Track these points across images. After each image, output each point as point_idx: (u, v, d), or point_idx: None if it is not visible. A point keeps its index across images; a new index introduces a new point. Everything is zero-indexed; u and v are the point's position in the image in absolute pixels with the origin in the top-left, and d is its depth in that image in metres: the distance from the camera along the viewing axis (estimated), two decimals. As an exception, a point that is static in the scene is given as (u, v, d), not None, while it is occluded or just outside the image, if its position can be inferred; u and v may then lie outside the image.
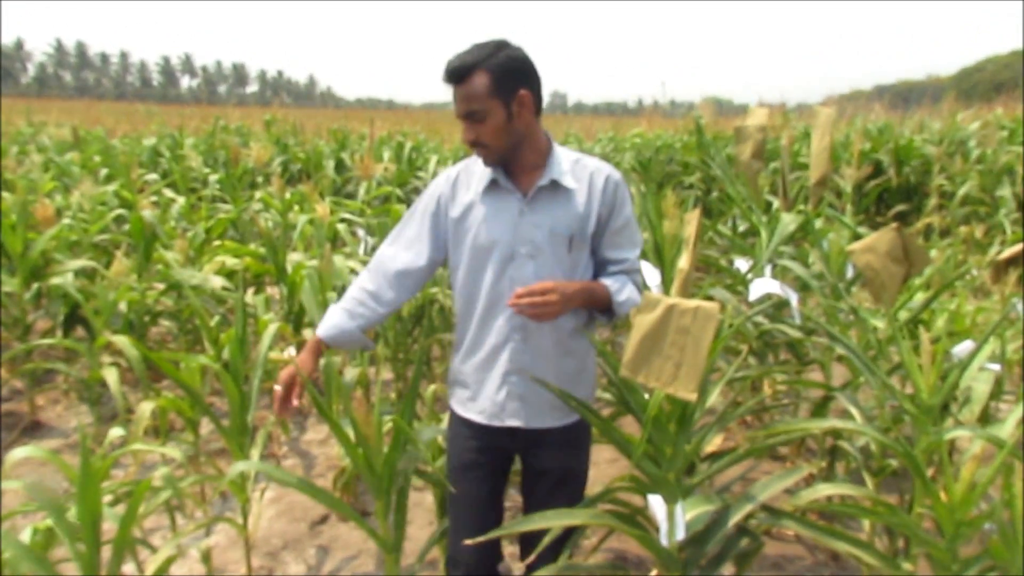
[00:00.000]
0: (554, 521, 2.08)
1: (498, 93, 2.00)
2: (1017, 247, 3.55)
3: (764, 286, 3.63)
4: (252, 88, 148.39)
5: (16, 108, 21.01)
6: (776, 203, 4.97)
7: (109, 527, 2.20)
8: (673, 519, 2.05)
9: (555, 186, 2.12)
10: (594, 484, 2.63)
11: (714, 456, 2.36)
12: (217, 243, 5.72)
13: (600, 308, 2.19)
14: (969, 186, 8.55)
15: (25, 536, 2.17)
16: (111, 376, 3.84)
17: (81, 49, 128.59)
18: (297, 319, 4.72)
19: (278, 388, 2.16)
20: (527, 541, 2.29)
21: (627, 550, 3.34)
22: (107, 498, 2.37)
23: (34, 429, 4.45)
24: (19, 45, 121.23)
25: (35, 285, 4.78)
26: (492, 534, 2.10)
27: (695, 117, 9.92)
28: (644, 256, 4.08)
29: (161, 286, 4.82)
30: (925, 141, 10.33)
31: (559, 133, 14.45)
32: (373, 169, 6.29)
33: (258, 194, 7.11)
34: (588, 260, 2.21)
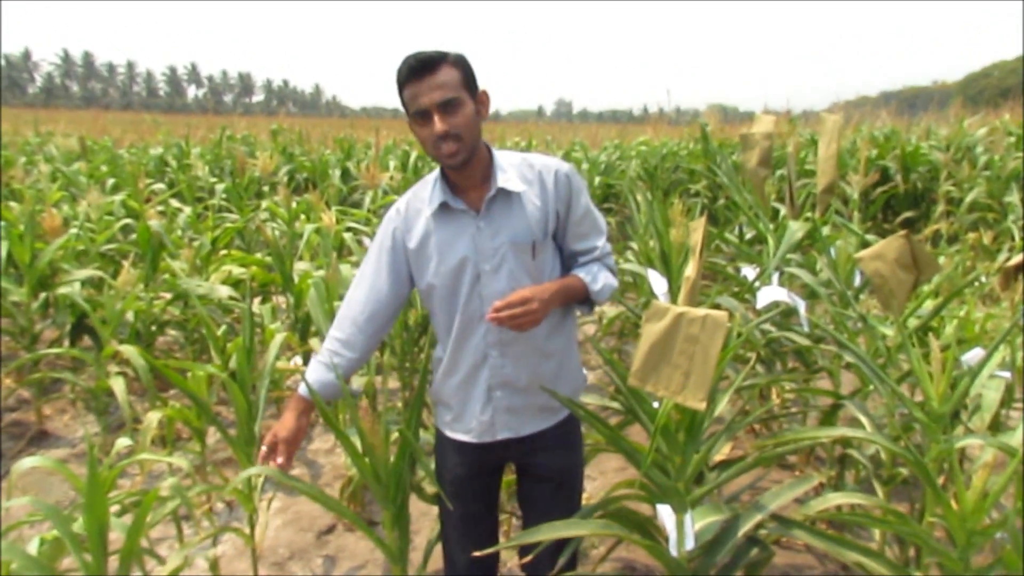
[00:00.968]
0: (562, 532, 2.07)
1: (467, 85, 2.00)
2: (1026, 254, 3.53)
3: (771, 294, 3.61)
4: (258, 97, 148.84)
5: (23, 118, 21.12)
6: (783, 210, 4.95)
7: (116, 537, 2.19)
8: (682, 529, 2.04)
9: (505, 194, 2.08)
10: (602, 493, 2.62)
11: (723, 465, 2.35)
12: (223, 252, 5.73)
13: (578, 300, 2.18)
14: (977, 192, 8.52)
15: (32, 547, 2.16)
16: (118, 386, 3.84)
17: (88, 59, 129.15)
18: (303, 328, 4.71)
19: (263, 450, 2.15)
20: (527, 546, 2.27)
21: (636, 560, 3.32)
22: (114, 508, 2.37)
23: (41, 438, 4.45)
24: (26, 55, 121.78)
25: (42, 295, 4.78)
26: (496, 548, 2.11)
27: (700, 124, 9.92)
28: (651, 264, 4.08)
29: (168, 295, 4.83)
30: (932, 147, 10.29)
31: (564, 141, 14.47)
32: (379, 178, 6.29)
33: (264, 203, 7.12)
34: (555, 259, 2.18)
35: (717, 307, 3.64)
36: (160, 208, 6.56)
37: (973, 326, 3.40)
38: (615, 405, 3.00)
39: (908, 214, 9.47)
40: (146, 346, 4.50)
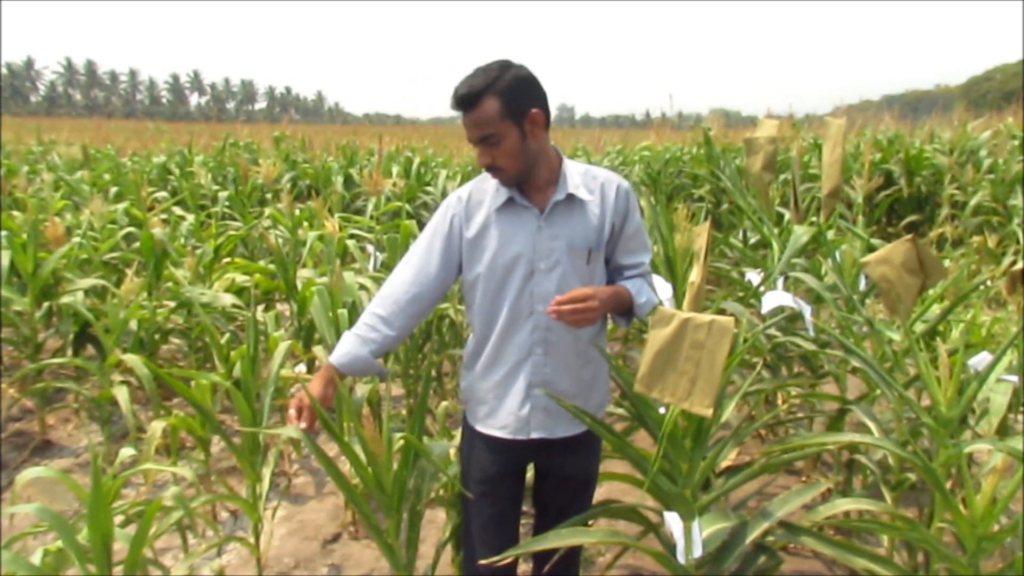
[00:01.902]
0: (569, 539, 2.06)
1: (510, 115, 2.03)
2: (1033, 257, 3.52)
3: (777, 299, 3.60)
4: (260, 105, 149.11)
5: (26, 127, 21.19)
6: (787, 215, 4.94)
7: (120, 548, 2.18)
8: (690, 536, 2.03)
9: (570, 200, 2.15)
10: (608, 497, 2.61)
11: (730, 471, 2.34)
12: (227, 260, 5.73)
13: (621, 311, 2.24)
14: (981, 196, 8.50)
15: (36, 558, 2.15)
16: (122, 395, 3.83)
17: (91, 67, 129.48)
18: (307, 336, 4.70)
19: (292, 413, 2.16)
20: (541, 555, 2.34)
21: (643, 567, 3.31)
22: (118, 518, 2.36)
23: (44, 448, 4.45)
24: (29, 64, 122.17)
25: (46, 304, 4.78)
26: (509, 553, 2.09)
27: (703, 129, 9.91)
28: (655, 270, 4.07)
29: (171, 304, 4.82)
30: (936, 151, 10.28)
31: (567, 147, 14.46)
32: (382, 185, 6.28)
33: (267, 211, 7.12)
34: (603, 270, 2.25)
35: (722, 312, 3.63)
36: (163, 216, 6.56)
37: (980, 330, 3.39)
38: (621, 411, 2.99)
39: (912, 218, 9.46)
40: (150, 355, 4.49)
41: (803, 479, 4.00)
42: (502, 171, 2.08)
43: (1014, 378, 2.77)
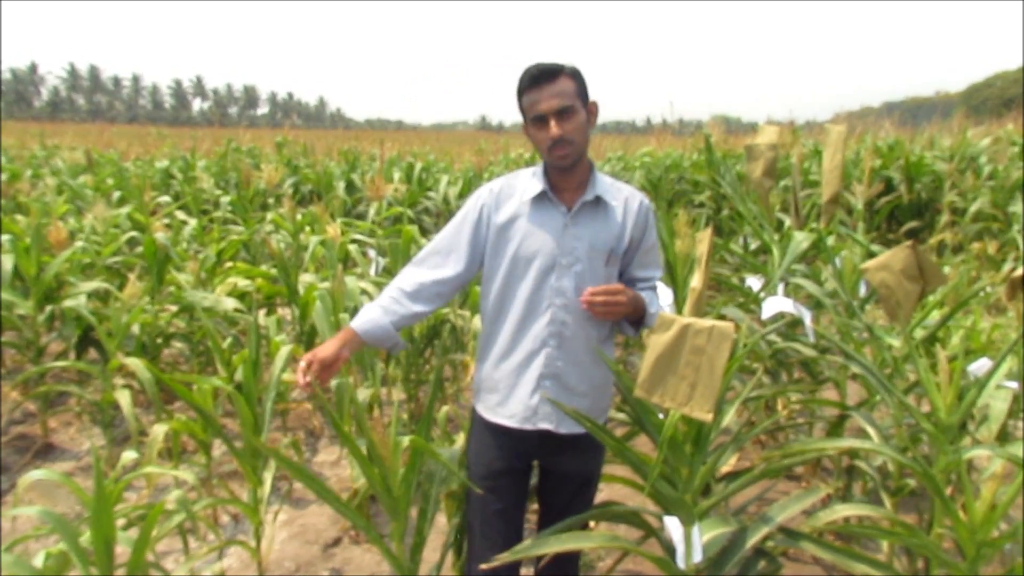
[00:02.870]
0: (570, 544, 2.07)
1: (580, 95, 2.18)
2: (1032, 263, 3.53)
3: (777, 304, 3.61)
4: (263, 110, 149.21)
5: (30, 131, 21.21)
6: (787, 221, 4.95)
7: (122, 551, 2.19)
8: (690, 541, 2.03)
9: (597, 203, 2.26)
10: (610, 500, 2.61)
11: (730, 476, 2.35)
12: (229, 265, 5.74)
13: (634, 319, 2.31)
14: (981, 202, 8.51)
15: (38, 561, 2.16)
16: (124, 398, 3.84)
17: (94, 73, 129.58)
18: (309, 340, 4.71)
19: (302, 364, 2.17)
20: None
21: (642, 572, 3.31)
22: (120, 522, 2.36)
23: (46, 451, 4.45)
24: (33, 69, 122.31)
25: (48, 308, 4.79)
26: (508, 557, 2.11)
27: (704, 135, 9.93)
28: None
29: (174, 308, 4.83)
30: (936, 158, 10.30)
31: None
32: (383, 190, 6.30)
33: (269, 215, 7.13)
34: (617, 278, 2.34)
35: (723, 318, 3.64)
36: (166, 221, 6.58)
37: (980, 336, 3.40)
38: (621, 416, 3.00)
39: (912, 224, 9.47)
40: (152, 359, 4.50)
41: (803, 485, 4.00)
42: (572, 144, 2.15)
43: (1014, 384, 2.77)
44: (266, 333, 4.33)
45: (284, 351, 3.43)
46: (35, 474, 2.50)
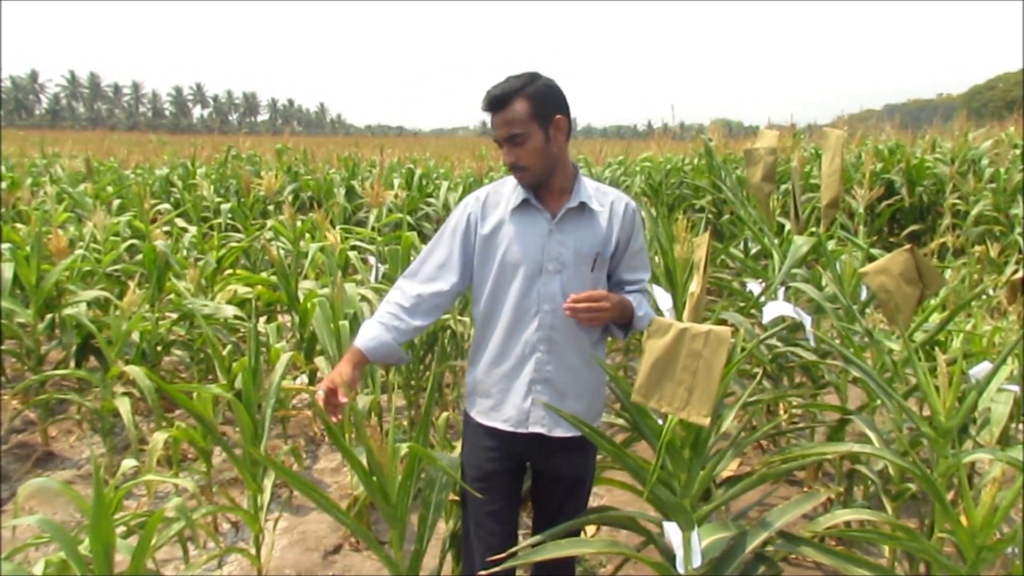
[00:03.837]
0: (570, 549, 2.06)
1: (537, 117, 2.17)
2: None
3: (777, 309, 3.61)
4: (263, 117, 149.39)
5: (30, 140, 21.22)
6: (787, 225, 4.95)
7: (122, 559, 2.18)
8: (689, 546, 2.03)
9: (582, 208, 2.27)
10: (608, 504, 2.61)
11: (730, 481, 2.34)
12: (229, 272, 5.74)
13: (622, 322, 2.32)
14: (982, 205, 8.50)
15: (38, 569, 2.16)
16: (124, 406, 3.84)
17: (94, 80, 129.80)
18: (309, 347, 4.71)
19: (320, 394, 2.18)
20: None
21: (643, 577, 3.30)
22: (120, 529, 2.36)
23: (47, 460, 4.45)
24: (33, 77, 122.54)
25: (49, 316, 4.79)
26: (507, 564, 2.11)
27: (704, 140, 9.92)
28: (656, 280, 4.08)
29: (174, 316, 4.83)
30: (937, 160, 10.28)
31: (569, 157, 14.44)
32: (384, 196, 6.30)
33: (269, 222, 7.13)
34: (604, 280, 2.35)
35: (723, 322, 3.63)
36: (166, 228, 6.57)
37: (980, 339, 3.39)
38: (620, 422, 2.99)
39: (914, 227, 9.46)
40: (152, 366, 4.50)
41: (804, 489, 4.00)
42: (525, 170, 2.19)
43: (1015, 388, 2.77)
44: (266, 340, 4.33)
45: (284, 358, 3.43)
46: (35, 482, 2.50)
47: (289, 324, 5.42)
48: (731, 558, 2.09)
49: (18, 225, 6.21)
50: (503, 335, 2.28)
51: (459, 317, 4.59)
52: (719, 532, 2.10)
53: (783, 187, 8.89)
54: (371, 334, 2.29)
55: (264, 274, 5.71)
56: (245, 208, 8.63)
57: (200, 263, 5.45)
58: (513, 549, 2.18)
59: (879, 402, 2.97)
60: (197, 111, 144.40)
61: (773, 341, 3.80)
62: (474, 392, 2.40)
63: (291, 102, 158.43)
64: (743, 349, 2.48)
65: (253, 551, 3.00)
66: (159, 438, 3.29)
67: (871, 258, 3.88)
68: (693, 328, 1.81)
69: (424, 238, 8.18)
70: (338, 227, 6.31)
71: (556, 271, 2.23)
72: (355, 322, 3.70)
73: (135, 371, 3.80)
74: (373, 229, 6.43)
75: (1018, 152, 9.66)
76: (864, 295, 3.71)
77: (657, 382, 1.87)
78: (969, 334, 3.41)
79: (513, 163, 2.19)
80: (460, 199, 2.40)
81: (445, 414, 3.58)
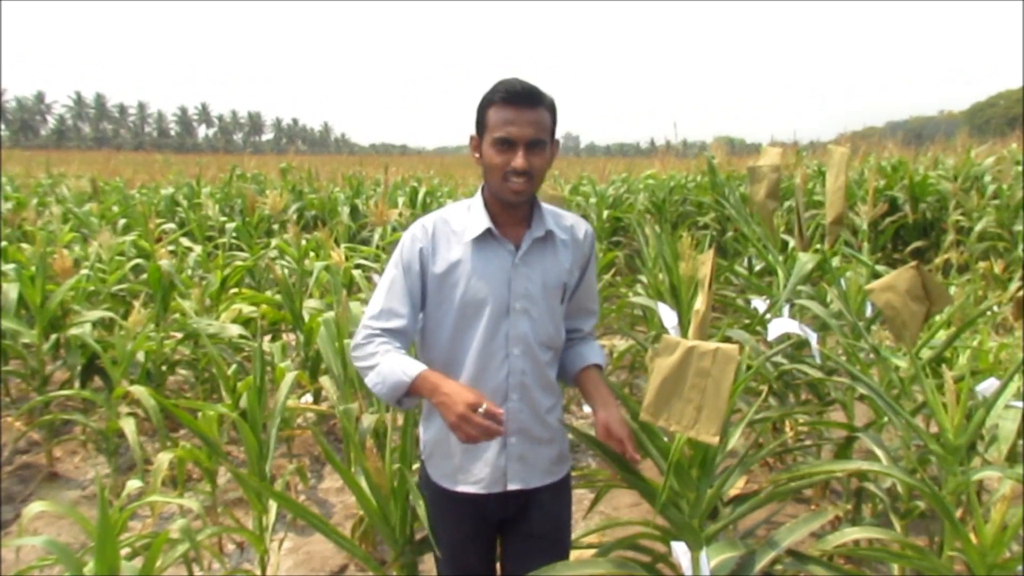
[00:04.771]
0: (576, 571, 2.05)
1: (551, 133, 2.01)
2: (1039, 282, 3.51)
3: (783, 326, 3.60)
4: (267, 136, 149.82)
5: (36, 160, 21.32)
6: (792, 242, 4.95)
7: (126, 581, 2.17)
8: (698, 566, 2.02)
9: (546, 237, 2.08)
10: (615, 529, 2.59)
11: (737, 499, 2.33)
12: (234, 291, 5.75)
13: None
14: (986, 222, 8.51)
15: (42, 591, 2.15)
16: (129, 426, 3.83)
17: (100, 101, 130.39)
18: (314, 366, 4.71)
19: (481, 412, 1.78)
20: None
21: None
22: (125, 551, 2.35)
23: (51, 481, 4.44)
24: (40, 98, 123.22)
25: (53, 336, 4.80)
26: None
27: (707, 157, 9.95)
28: (661, 297, 4.08)
29: (178, 335, 4.84)
30: (940, 177, 10.31)
31: (572, 176, 14.53)
32: (388, 215, 6.33)
33: (274, 241, 7.16)
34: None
35: (728, 340, 3.62)
36: (171, 248, 6.60)
37: (987, 356, 3.38)
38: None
39: (918, 244, 9.46)
40: (157, 386, 4.50)
41: (812, 507, 3.97)
42: (532, 180, 1.97)
43: (1022, 404, 2.75)
44: (271, 360, 4.32)
45: (289, 377, 3.43)
46: (40, 504, 2.50)
47: (294, 343, 5.42)
48: (740, 578, 2.07)
49: (23, 245, 6.23)
50: (469, 385, 1.96)
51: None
52: (728, 551, 2.09)
53: (787, 204, 8.89)
54: (408, 360, 1.95)
55: (269, 293, 5.71)
56: (250, 227, 8.65)
57: (205, 282, 5.46)
58: None
59: (886, 419, 2.96)
60: (202, 131, 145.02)
61: (779, 358, 3.79)
62: (433, 453, 2.13)
63: (295, 121, 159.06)
64: (749, 367, 2.47)
65: (258, 572, 2.99)
66: (164, 458, 3.28)
67: (876, 275, 3.87)
68: (701, 346, 1.81)
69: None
70: (342, 246, 6.32)
71: (524, 310, 2.02)
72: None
73: (140, 391, 3.80)
74: (377, 247, 6.45)
75: (1020, 169, 9.67)
76: (869, 312, 3.70)
77: (665, 401, 1.85)
78: (976, 351, 3.40)
79: (525, 169, 1.93)
80: (422, 218, 2.08)
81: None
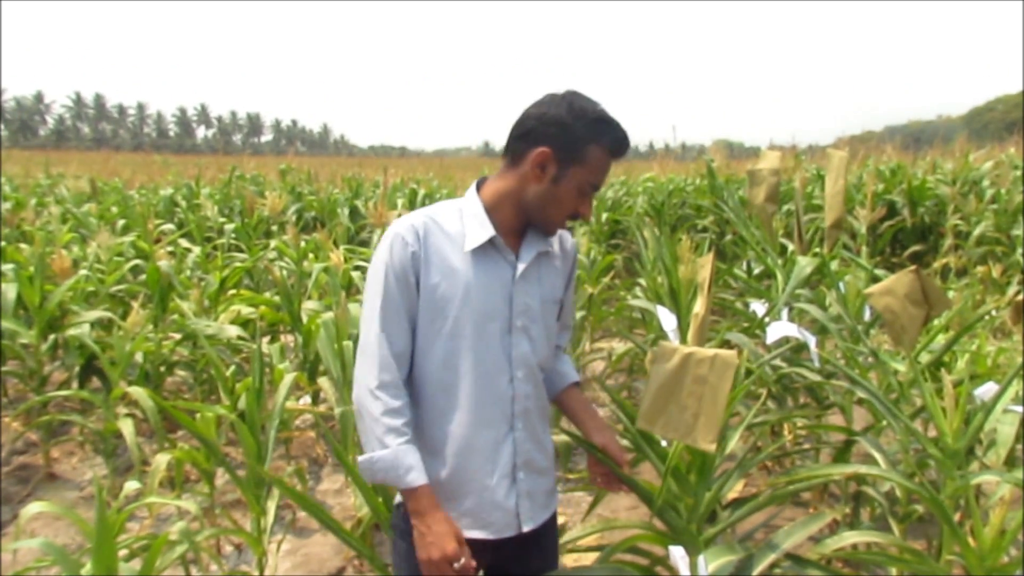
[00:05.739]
0: None
1: None
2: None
3: (781, 329, 3.60)
4: (267, 137, 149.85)
5: (35, 160, 21.32)
6: (791, 246, 4.95)
7: (124, 583, 2.17)
8: (696, 570, 2.02)
9: (546, 251, 1.92)
10: (612, 532, 2.59)
11: (735, 503, 2.33)
12: (232, 292, 5.75)
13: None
14: (984, 226, 8.52)
15: (39, 592, 2.14)
16: (127, 427, 3.83)
17: (99, 101, 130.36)
18: (312, 368, 4.71)
19: (457, 567, 1.70)
20: None
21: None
22: (123, 553, 2.35)
23: (49, 481, 4.43)
24: (39, 98, 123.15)
25: (52, 336, 4.79)
26: None
27: (706, 160, 9.96)
28: (660, 301, 4.08)
29: (177, 336, 4.83)
30: (938, 181, 10.32)
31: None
32: (387, 216, 6.31)
33: (273, 243, 7.16)
34: None
35: (727, 343, 3.63)
36: (169, 248, 6.59)
37: (985, 360, 3.38)
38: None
39: (916, 248, 9.48)
40: (155, 387, 4.49)
41: (810, 511, 3.97)
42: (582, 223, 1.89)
43: (1021, 408, 2.76)
44: (269, 361, 4.32)
45: (287, 379, 3.43)
46: (37, 505, 2.49)
47: (292, 344, 5.42)
48: (738, 581, 2.07)
49: (22, 245, 6.22)
50: (469, 415, 1.79)
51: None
52: (726, 555, 2.09)
53: (786, 208, 8.91)
54: (413, 458, 1.75)
55: (268, 294, 5.71)
56: (249, 228, 8.65)
57: (203, 283, 5.46)
58: None
59: (885, 423, 2.96)
60: (201, 132, 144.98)
61: (777, 362, 3.79)
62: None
63: (295, 123, 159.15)
64: (748, 372, 2.47)
65: (256, 574, 2.98)
66: (162, 460, 3.28)
67: (875, 278, 3.87)
68: (698, 353, 1.80)
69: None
70: (342, 247, 6.32)
71: (524, 328, 1.83)
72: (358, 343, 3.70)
73: (138, 392, 3.80)
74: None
75: (1019, 173, 9.70)
76: (868, 316, 3.70)
77: (662, 408, 1.85)
78: (974, 355, 3.41)
79: (586, 215, 1.83)
80: (407, 218, 1.78)
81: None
